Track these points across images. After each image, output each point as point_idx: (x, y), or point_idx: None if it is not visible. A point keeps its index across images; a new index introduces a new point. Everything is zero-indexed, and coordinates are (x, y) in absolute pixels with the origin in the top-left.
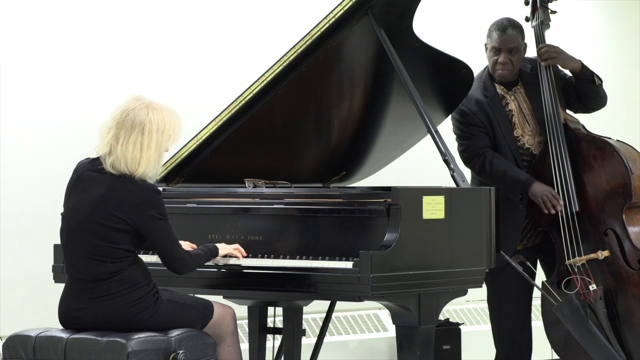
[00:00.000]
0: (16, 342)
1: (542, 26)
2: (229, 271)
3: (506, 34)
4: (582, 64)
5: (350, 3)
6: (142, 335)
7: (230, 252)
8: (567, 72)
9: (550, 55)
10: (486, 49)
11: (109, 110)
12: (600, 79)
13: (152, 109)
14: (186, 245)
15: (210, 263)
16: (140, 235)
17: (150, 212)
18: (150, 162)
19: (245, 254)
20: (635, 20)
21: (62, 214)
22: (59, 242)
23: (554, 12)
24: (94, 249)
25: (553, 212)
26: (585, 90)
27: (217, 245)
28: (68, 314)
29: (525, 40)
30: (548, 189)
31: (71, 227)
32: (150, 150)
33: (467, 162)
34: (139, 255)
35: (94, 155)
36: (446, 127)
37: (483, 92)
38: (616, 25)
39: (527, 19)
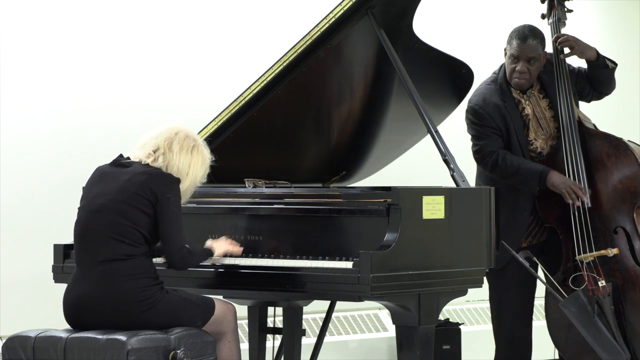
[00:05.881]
0: (15, 343)
1: (558, 24)
2: (229, 271)
3: (526, 43)
4: (597, 52)
5: (350, 3)
6: (142, 333)
7: (227, 250)
8: (575, 65)
9: (570, 44)
10: (505, 54)
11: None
12: (614, 62)
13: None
14: None
15: (207, 262)
16: (157, 225)
17: (168, 195)
18: (194, 171)
19: (240, 249)
20: (634, 22)
21: (79, 206)
22: (59, 242)
23: (570, 10)
24: (114, 228)
25: (578, 204)
26: (600, 76)
27: (213, 244)
28: (73, 302)
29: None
30: (570, 180)
31: (92, 210)
32: (196, 165)
33: (480, 161)
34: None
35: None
36: (446, 127)
37: (501, 97)
38: (615, 27)
39: (543, 17)
